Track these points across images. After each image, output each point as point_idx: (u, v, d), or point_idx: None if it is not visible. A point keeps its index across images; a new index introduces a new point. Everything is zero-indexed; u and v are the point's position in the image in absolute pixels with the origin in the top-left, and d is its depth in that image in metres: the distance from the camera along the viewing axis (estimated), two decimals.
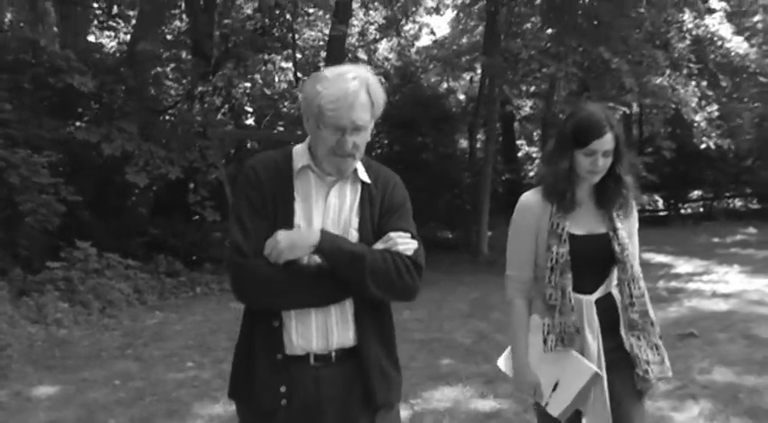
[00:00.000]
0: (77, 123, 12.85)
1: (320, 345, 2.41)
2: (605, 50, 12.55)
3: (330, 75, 2.38)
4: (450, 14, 25.23)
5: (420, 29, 23.90)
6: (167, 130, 13.98)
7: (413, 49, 23.74)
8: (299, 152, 2.51)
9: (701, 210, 28.09)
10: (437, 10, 23.90)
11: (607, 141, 2.87)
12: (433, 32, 23.63)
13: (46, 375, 6.97)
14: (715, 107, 17.53)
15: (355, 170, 2.51)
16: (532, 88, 20.02)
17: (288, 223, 2.38)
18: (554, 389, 2.96)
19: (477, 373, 6.83)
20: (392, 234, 2.46)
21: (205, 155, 13.19)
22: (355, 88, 2.34)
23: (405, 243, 2.45)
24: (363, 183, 2.54)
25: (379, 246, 2.43)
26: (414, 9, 22.24)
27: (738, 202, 30.09)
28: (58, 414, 5.77)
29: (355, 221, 2.48)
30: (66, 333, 8.75)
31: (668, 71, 14.69)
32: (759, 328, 8.40)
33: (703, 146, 16.82)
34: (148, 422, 5.58)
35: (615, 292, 3.04)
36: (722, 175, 25.49)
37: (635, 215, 3.14)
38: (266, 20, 15.37)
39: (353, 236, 2.45)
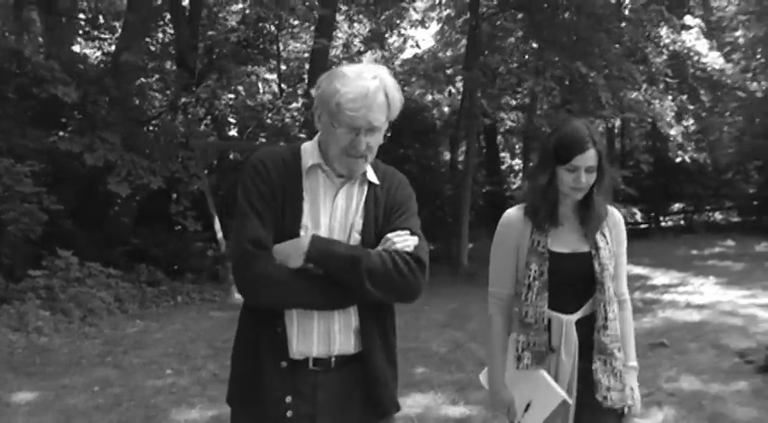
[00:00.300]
0: (61, 133, 12.90)
1: (321, 350, 2.36)
2: (582, 65, 12.77)
3: (350, 72, 2.33)
4: (435, 27, 25.54)
5: (405, 41, 24.11)
6: (150, 140, 14.06)
7: (397, 62, 23.91)
8: (309, 150, 2.45)
9: (682, 223, 28.36)
10: (422, 23, 24.15)
11: (590, 157, 2.84)
12: (417, 45, 23.82)
13: (26, 382, 7.02)
14: (691, 121, 17.79)
15: (364, 172, 2.45)
16: (513, 102, 20.27)
17: (296, 223, 2.34)
18: (526, 409, 2.94)
19: (449, 380, 6.97)
20: (390, 234, 2.40)
21: (187, 165, 13.29)
22: (375, 88, 2.30)
23: (403, 240, 2.39)
24: (370, 184, 2.49)
25: (378, 248, 2.37)
26: (398, 22, 22.48)
27: (719, 216, 30.39)
28: (37, 419, 5.85)
29: (359, 223, 2.42)
30: (46, 341, 8.81)
31: (645, 86, 14.93)
32: (729, 337, 8.58)
33: (678, 159, 17.05)
34: None
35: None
36: (702, 188, 25.76)
37: (623, 235, 3.08)
38: (250, 32, 15.49)
39: (356, 238, 2.40)
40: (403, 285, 2.35)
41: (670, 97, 16.35)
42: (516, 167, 28.51)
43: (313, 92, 2.40)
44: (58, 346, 8.69)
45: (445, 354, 8.28)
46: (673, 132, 15.60)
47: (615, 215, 3.07)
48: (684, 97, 19.84)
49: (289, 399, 2.33)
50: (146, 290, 11.95)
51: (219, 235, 13.97)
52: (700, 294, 12.21)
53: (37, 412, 6.06)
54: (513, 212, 3.08)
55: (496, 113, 19.53)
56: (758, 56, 28.66)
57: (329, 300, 2.32)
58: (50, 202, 10.95)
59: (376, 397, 2.46)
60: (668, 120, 15.06)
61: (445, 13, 23.37)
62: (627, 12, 14.10)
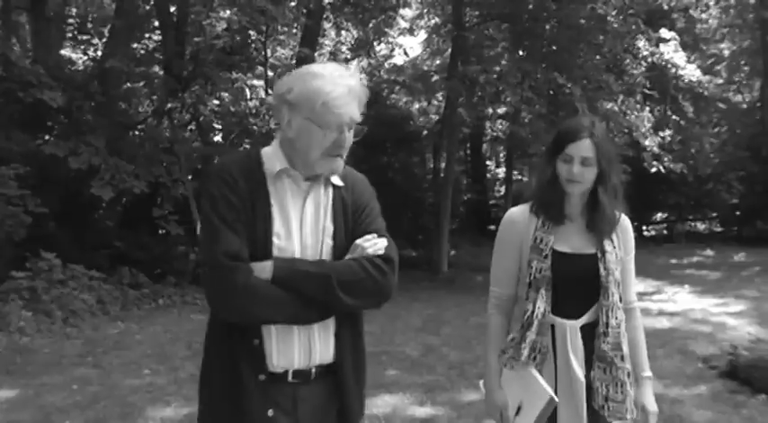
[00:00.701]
0: (46, 137, 13.03)
1: (302, 362, 2.33)
2: (559, 76, 13.00)
3: (325, 72, 2.29)
4: (423, 35, 25.71)
5: (392, 50, 24.29)
6: (135, 145, 14.18)
7: (382, 70, 24.08)
8: (270, 155, 2.37)
9: (665, 232, 28.64)
10: (410, 31, 24.37)
11: (584, 147, 2.77)
12: (406, 53, 23.99)
13: (6, 380, 7.18)
14: (668, 132, 18.04)
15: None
16: (497, 111, 20.47)
17: (268, 231, 2.28)
18: (517, 412, 2.88)
19: (419, 382, 7.15)
20: (359, 241, 2.39)
21: (171, 170, 13.45)
22: (356, 84, 2.30)
23: (373, 245, 2.39)
24: (334, 186, 2.45)
25: (348, 256, 2.36)
26: (387, 30, 22.67)
27: (702, 226, 30.70)
28: (16, 416, 6.01)
29: (330, 228, 2.39)
30: (28, 341, 8.94)
31: (621, 97, 15.19)
32: (696, 344, 8.81)
33: (653, 170, 17.30)
34: None
35: None
36: (684, 198, 26.09)
37: (631, 243, 3.03)
38: (236, 38, 15.61)
39: (328, 244, 2.37)
40: (376, 289, 2.35)
41: (648, 108, 16.61)
42: (501, 176, 28.67)
43: (271, 99, 2.46)
44: (40, 346, 8.82)
45: (417, 357, 8.44)
46: (647, 143, 15.83)
47: (624, 221, 3.00)
48: (662, 108, 20.12)
49: (270, 412, 2.29)
50: (128, 292, 12.03)
51: None
52: (673, 302, 12.46)
53: (16, 409, 6.22)
54: (516, 210, 3.03)
55: (475, 123, 19.78)
56: (745, 67, 29.08)
57: (312, 313, 2.29)
58: (35, 204, 11.04)
59: (348, 406, 2.46)
60: (643, 130, 15.31)
61: (432, 21, 23.53)
62: (607, 24, 14.26)
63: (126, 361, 8.15)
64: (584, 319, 2.86)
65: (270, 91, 20.33)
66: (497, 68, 15.21)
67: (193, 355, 8.31)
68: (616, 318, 2.82)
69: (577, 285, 2.87)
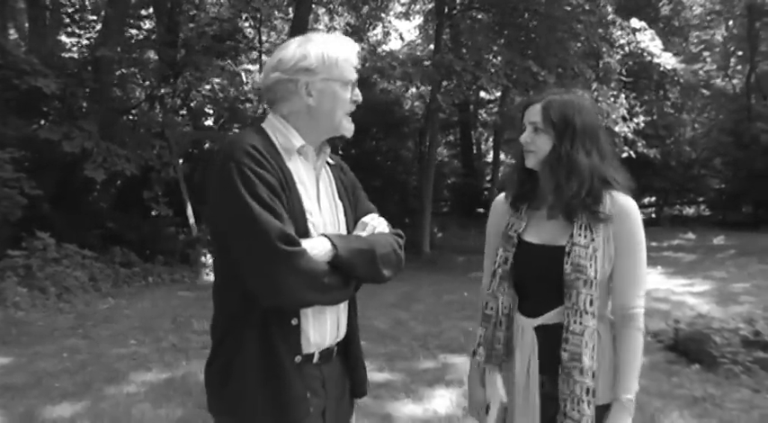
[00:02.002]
0: (41, 122, 13.49)
1: (331, 339, 2.31)
2: (534, 64, 13.49)
3: (327, 37, 2.32)
4: (418, 20, 26.02)
5: (387, 35, 24.63)
6: (128, 129, 14.62)
7: (374, 56, 24.41)
8: (281, 130, 2.27)
9: (653, 216, 29.16)
10: (406, 15, 24.73)
11: (533, 112, 2.54)
12: (401, 37, 24.31)
13: (1, 349, 7.73)
14: (642, 118, 18.52)
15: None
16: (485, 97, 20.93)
17: (302, 211, 2.19)
18: (486, 411, 2.73)
19: (382, 352, 7.68)
20: (365, 219, 2.39)
21: (161, 154, 13.96)
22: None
23: (380, 223, 2.39)
24: (330, 165, 2.47)
25: (360, 233, 2.34)
26: (382, 15, 23.04)
27: (690, 210, 31.22)
28: (9, 379, 6.54)
29: (340, 205, 2.39)
30: (23, 315, 9.46)
31: (596, 84, 15.68)
32: (651, 321, 9.20)
33: (624, 155, 17.78)
34: (89, 386, 6.35)
35: None
36: (668, 182, 26.60)
37: (633, 232, 2.48)
38: (225, 26, 16.02)
39: (342, 221, 2.36)
40: (399, 262, 2.34)
41: (623, 96, 17.09)
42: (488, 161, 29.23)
43: (277, 75, 2.25)
44: (34, 319, 9.35)
45: (385, 329, 8.98)
46: (617, 129, 16.26)
47: (620, 204, 2.49)
48: (648, 95, 20.60)
49: (309, 394, 2.22)
50: (119, 270, 12.54)
51: (191, 220, 14.70)
52: None
53: (10, 373, 6.76)
54: (501, 196, 2.82)
55: (452, 109, 20.21)
56: (739, 53, 29.43)
57: (351, 289, 2.26)
58: (30, 187, 11.47)
59: (360, 378, 2.50)
60: (614, 117, 15.75)
61: (428, 6, 23.81)
62: (582, 14, 14.72)
63: (114, 332, 8.68)
64: (541, 320, 2.53)
65: None
66: (487, 56, 15.60)
67: (177, 327, 8.90)
68: (580, 323, 2.41)
69: (538, 281, 2.56)
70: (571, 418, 2.41)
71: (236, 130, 17.31)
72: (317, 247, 2.11)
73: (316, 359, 2.26)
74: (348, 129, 2.34)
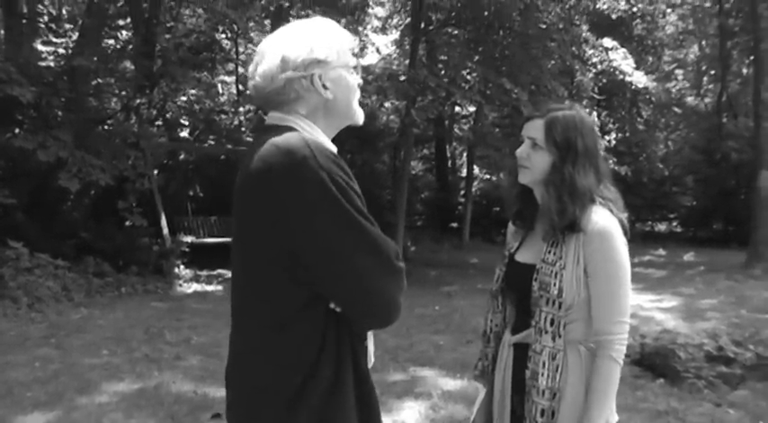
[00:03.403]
0: (16, 131, 13.44)
1: (372, 357, 2.15)
2: (507, 81, 13.66)
3: (318, 23, 2.12)
4: (394, 35, 26.11)
5: (363, 49, 24.73)
6: (103, 139, 14.63)
7: None
8: (311, 133, 2.03)
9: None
10: (383, 29, 24.82)
11: (533, 127, 2.49)
12: (378, 51, 24.42)
13: None
14: (614, 136, 18.80)
15: None
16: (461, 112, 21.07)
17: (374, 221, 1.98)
18: None
19: None
20: None
21: (136, 165, 13.98)
22: None
23: None
24: None
25: None
26: (359, 29, 23.15)
27: (662, 226, 31.54)
28: None
29: None
30: None
31: (567, 101, 15.82)
32: None
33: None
34: (61, 396, 6.36)
35: None
36: (640, 199, 26.89)
37: (607, 255, 2.42)
38: (201, 39, 16.10)
39: None
40: None
41: (596, 113, 17.35)
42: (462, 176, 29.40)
43: (289, 74, 2.02)
44: (6, 328, 9.33)
45: None
46: None
47: (597, 226, 2.42)
48: (619, 113, 20.88)
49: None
50: (92, 280, 12.53)
51: (165, 231, 14.73)
52: None
53: None
54: None
55: (426, 124, 20.36)
56: (711, 72, 29.89)
57: None
58: (3, 195, 11.50)
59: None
60: None
61: (405, 21, 23.90)
62: (554, 33, 14.95)
63: (86, 343, 8.68)
64: (516, 338, 2.56)
65: (241, 87, 20.85)
66: (463, 73, 15.73)
67: (149, 338, 8.93)
68: (540, 343, 2.41)
69: (520, 300, 2.57)
70: None
71: (212, 142, 17.38)
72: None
73: None
74: (361, 116, 2.20)
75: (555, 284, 2.39)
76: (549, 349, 2.39)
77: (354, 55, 2.16)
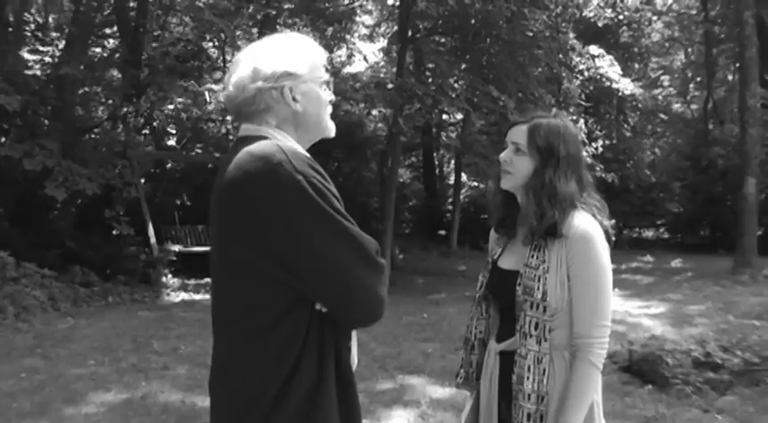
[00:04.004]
0: (2, 139, 13.41)
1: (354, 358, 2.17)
2: (494, 89, 13.71)
3: (294, 38, 2.19)
4: (382, 43, 26.07)
5: (350, 57, 24.76)
6: (89, 148, 14.58)
7: (338, 78, 24.50)
8: (291, 143, 2.06)
9: (613, 239, 29.42)
10: (370, 37, 24.84)
11: (517, 132, 2.53)
12: (365, 59, 24.43)
13: None
14: (600, 143, 18.87)
15: None
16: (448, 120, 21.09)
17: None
18: None
19: None
20: None
21: (123, 173, 13.93)
22: None
23: None
24: None
25: None
26: (346, 37, 23.15)
27: (650, 232, 31.63)
28: None
29: None
30: None
31: (554, 110, 15.90)
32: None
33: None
34: (47, 406, 6.33)
35: None
36: (628, 206, 26.96)
37: (587, 258, 2.43)
38: (188, 47, 16.09)
39: None
40: None
41: (583, 120, 17.40)
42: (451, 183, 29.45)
43: (259, 84, 2.05)
44: None
45: None
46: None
47: (579, 230, 2.44)
48: (607, 120, 20.95)
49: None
50: (79, 290, 12.47)
51: (153, 240, 14.67)
52: None
53: None
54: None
55: (413, 132, 20.36)
56: (697, 79, 30.05)
57: None
58: None
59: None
60: None
61: (392, 29, 23.88)
62: (543, 40, 15.01)
63: (73, 352, 8.63)
64: (503, 345, 2.56)
65: None
66: (450, 81, 15.74)
67: (137, 348, 8.89)
68: (525, 347, 2.41)
69: (504, 307, 2.59)
70: None
71: (199, 150, 17.35)
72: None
73: None
74: (332, 129, 2.23)
75: (539, 288, 2.40)
76: (534, 353, 2.40)
77: (328, 71, 2.18)
